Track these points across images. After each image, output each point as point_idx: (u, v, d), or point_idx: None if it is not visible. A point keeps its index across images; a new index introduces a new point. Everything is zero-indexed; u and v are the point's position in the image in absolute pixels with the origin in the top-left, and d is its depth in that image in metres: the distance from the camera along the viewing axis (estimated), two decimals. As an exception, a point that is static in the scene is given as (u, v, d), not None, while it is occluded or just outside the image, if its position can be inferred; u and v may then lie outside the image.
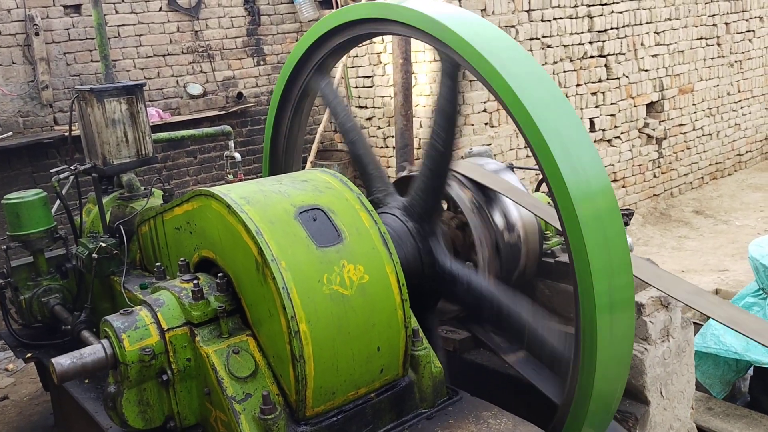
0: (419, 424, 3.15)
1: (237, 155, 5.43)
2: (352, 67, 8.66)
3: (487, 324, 3.85)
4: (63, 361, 2.83)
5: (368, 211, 3.14)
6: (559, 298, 4.23)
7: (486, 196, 3.90)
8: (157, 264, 3.35)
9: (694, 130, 10.12)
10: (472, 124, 7.49)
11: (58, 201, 4.74)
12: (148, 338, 2.94)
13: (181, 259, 3.33)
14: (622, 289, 2.95)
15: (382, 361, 3.03)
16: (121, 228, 4.07)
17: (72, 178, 4.51)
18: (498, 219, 3.85)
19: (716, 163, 10.60)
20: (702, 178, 10.39)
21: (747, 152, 11.16)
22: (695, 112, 10.05)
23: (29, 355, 4.37)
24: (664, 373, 3.93)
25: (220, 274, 3.07)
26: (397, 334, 3.05)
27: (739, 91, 10.73)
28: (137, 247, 4.14)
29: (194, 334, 2.97)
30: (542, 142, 2.92)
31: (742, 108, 10.86)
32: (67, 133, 7.41)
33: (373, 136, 8.73)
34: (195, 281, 3.05)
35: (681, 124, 9.89)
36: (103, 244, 3.94)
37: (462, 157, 4.83)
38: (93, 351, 2.92)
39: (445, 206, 4.07)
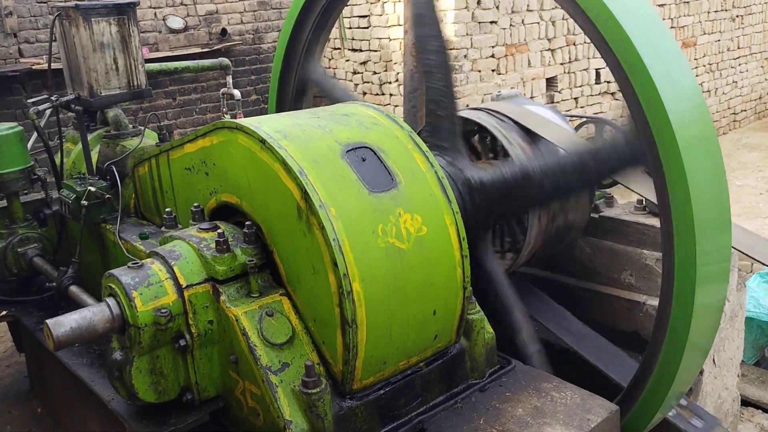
0: (472, 396, 2.77)
1: (236, 92, 4.86)
2: (347, 5, 8.02)
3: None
4: (61, 324, 2.34)
5: (422, 151, 2.68)
6: (602, 257, 3.87)
7: (533, 140, 3.47)
8: (167, 210, 2.85)
9: (694, 86, 9.81)
10: (479, 71, 7.02)
11: (33, 137, 4.16)
12: (164, 297, 2.47)
13: (195, 204, 2.83)
14: (723, 251, 2.56)
15: (437, 327, 2.63)
16: (114, 169, 3.52)
17: (50, 111, 3.92)
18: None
19: (713, 122, 10.35)
20: (698, 136, 10.13)
21: (742, 111, 10.95)
22: (696, 68, 9.73)
23: (4, 312, 3.83)
24: (718, 339, 3.61)
25: (247, 223, 2.59)
26: (455, 296, 2.64)
27: (738, 48, 10.44)
28: (132, 192, 3.61)
29: (218, 293, 2.51)
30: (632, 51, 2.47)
31: (740, 65, 10.59)
32: (34, 66, 6.70)
33: (368, 82, 8.19)
34: (218, 230, 2.56)
35: (682, 80, 9.56)
36: (93, 188, 3.40)
37: (491, 100, 4.36)
38: (97, 311, 2.43)
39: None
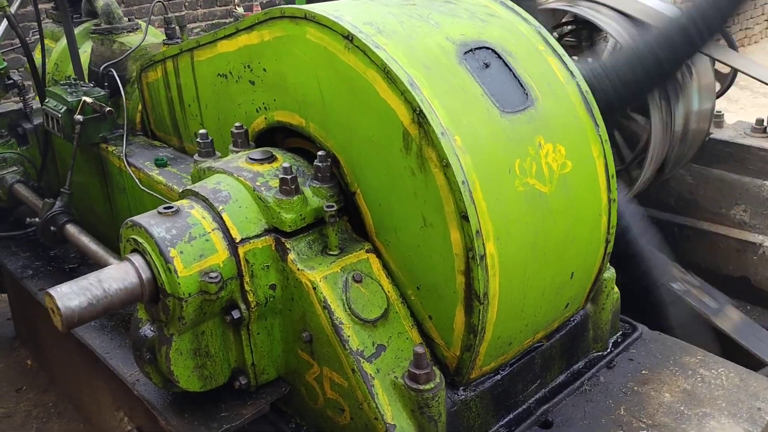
0: (599, 375, 2.19)
1: (252, -22, 3.96)
2: None
3: None
4: (71, 299, 1.66)
5: (558, 55, 1.96)
6: (707, 188, 3.25)
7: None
8: (202, 132, 2.11)
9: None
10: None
11: (2, 27, 3.31)
12: (212, 255, 1.79)
13: (237, 125, 2.09)
14: None
15: (572, 292, 2.00)
16: (114, 73, 2.73)
17: (23, -3, 3.07)
18: (678, 118, 2.72)
19: (746, 29, 9.59)
20: (731, 45, 9.41)
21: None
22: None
23: (-19, 251, 3.11)
24: None
25: (321, 153, 1.88)
26: (595, 252, 1.99)
27: None
28: (137, 103, 2.83)
29: (284, 249, 1.83)
30: None
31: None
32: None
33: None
34: (284, 164, 1.85)
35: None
36: (89, 98, 2.61)
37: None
38: (120, 277, 1.74)
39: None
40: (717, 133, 3.19)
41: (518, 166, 1.72)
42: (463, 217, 1.61)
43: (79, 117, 2.58)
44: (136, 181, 2.46)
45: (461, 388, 1.87)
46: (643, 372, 2.19)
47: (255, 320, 1.89)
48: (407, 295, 1.86)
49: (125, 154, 2.58)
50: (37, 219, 2.72)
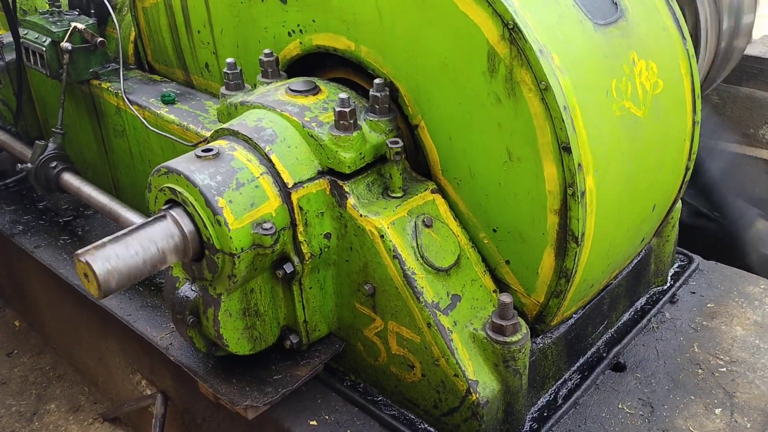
0: (664, 311, 2.07)
1: None
2: None
3: None
4: (108, 264, 1.41)
5: (639, -39, 1.73)
6: (735, 107, 3.11)
7: None
8: (230, 61, 1.82)
9: None
10: None
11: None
12: (263, 203, 1.56)
13: (266, 51, 1.82)
14: None
15: (649, 226, 1.85)
16: (104, -2, 2.39)
17: None
18: (724, 33, 2.53)
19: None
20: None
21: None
22: None
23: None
24: None
25: (378, 81, 1.63)
26: (676, 181, 1.84)
27: None
28: (131, 33, 2.50)
29: (343, 193, 1.61)
30: None
31: None
32: None
33: None
34: (341, 95, 1.60)
35: None
36: (80, 26, 2.27)
37: None
38: (161, 235, 1.50)
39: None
40: (748, 49, 3.03)
41: (615, 87, 1.52)
42: (564, 149, 1.41)
43: (67, 45, 2.24)
44: (143, 120, 2.17)
45: (539, 336, 1.72)
46: (709, 305, 2.08)
47: (308, 273, 1.68)
48: (478, 238, 1.68)
49: (124, 91, 2.28)
50: (29, 165, 2.41)
